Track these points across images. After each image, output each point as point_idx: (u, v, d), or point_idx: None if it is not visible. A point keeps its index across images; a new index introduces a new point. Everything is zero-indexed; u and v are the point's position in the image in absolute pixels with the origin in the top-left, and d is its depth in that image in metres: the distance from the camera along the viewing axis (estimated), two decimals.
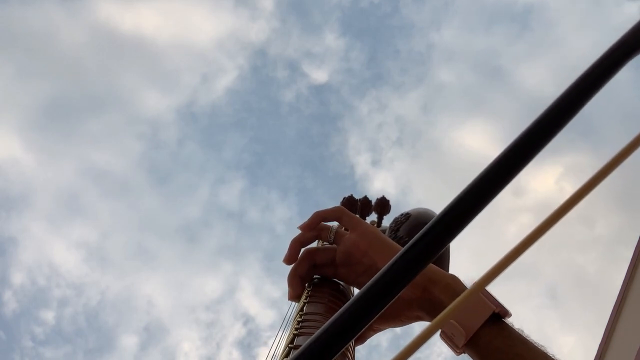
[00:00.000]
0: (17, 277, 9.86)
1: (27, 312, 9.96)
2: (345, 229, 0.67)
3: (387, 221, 0.97)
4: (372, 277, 0.61)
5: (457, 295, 0.52)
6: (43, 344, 9.90)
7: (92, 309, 10.24)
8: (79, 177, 10.52)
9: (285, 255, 0.64)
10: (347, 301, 0.69)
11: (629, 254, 4.62)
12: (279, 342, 0.59)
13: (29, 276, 9.86)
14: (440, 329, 0.53)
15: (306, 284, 0.65)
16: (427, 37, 10.73)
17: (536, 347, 0.51)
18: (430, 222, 0.21)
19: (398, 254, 0.21)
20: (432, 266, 0.60)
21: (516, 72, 10.50)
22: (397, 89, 10.86)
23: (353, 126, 10.96)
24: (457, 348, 0.53)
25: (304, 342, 0.49)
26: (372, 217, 1.00)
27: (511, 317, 0.54)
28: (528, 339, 0.52)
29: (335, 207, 0.66)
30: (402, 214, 0.85)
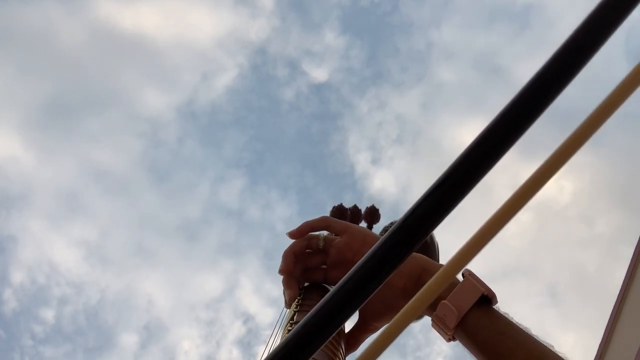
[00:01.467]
0: (17, 276, 9.88)
1: (27, 310, 9.98)
2: (335, 235, 0.71)
3: (376, 230, 0.96)
4: None
5: (452, 284, 0.57)
6: (43, 342, 9.91)
7: (92, 307, 10.25)
8: (79, 176, 10.53)
9: (281, 266, 0.67)
10: None
11: (629, 253, 4.61)
12: (272, 346, 0.59)
13: (29, 275, 9.87)
14: (431, 311, 0.58)
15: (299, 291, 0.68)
16: (427, 35, 10.73)
17: (520, 327, 0.55)
18: (407, 212, 0.20)
19: (376, 245, 0.20)
20: (424, 257, 0.64)
21: (516, 70, 10.50)
22: (397, 87, 10.86)
23: (353, 125, 10.96)
24: (448, 330, 0.57)
25: None
26: (362, 225, 0.99)
27: (498, 304, 0.58)
28: (513, 320, 0.56)
29: (321, 217, 0.71)
30: (391, 223, 0.86)
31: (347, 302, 0.20)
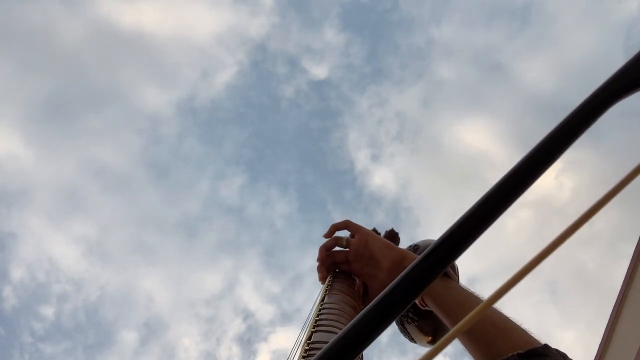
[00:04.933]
0: (17, 273, 9.89)
1: (26, 307, 9.99)
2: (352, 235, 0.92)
3: None
4: (372, 266, 0.80)
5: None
6: (43, 339, 9.93)
7: (92, 304, 10.27)
8: (79, 172, 10.53)
9: (318, 258, 0.90)
10: (354, 288, 0.82)
11: (628, 250, 4.62)
12: (308, 323, 0.67)
13: (29, 272, 9.88)
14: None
15: (329, 275, 0.89)
16: (427, 32, 10.73)
17: (469, 292, 0.72)
18: (431, 245, 0.22)
19: (403, 273, 0.22)
20: (405, 250, 0.88)
21: (516, 67, 10.50)
22: (397, 84, 10.87)
23: (353, 121, 10.97)
24: (418, 299, 0.73)
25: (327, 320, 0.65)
26: None
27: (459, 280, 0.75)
28: (464, 287, 0.73)
29: (344, 220, 0.93)
30: (410, 246, 0.99)
31: (385, 313, 0.22)
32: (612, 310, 4.50)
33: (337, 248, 0.93)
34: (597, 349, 4.53)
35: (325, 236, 0.93)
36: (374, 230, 0.98)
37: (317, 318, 0.70)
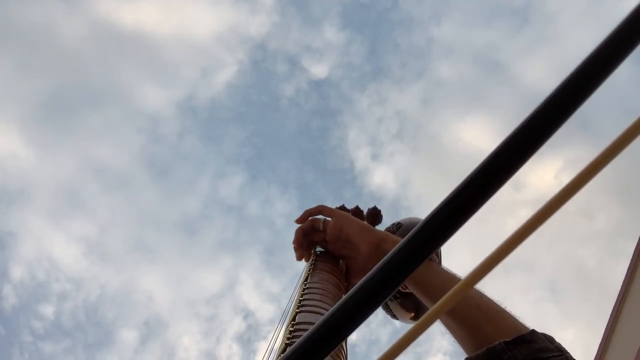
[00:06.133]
0: (17, 272, 9.88)
1: (26, 306, 9.99)
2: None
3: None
4: (350, 249, 0.77)
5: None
6: (42, 338, 9.93)
7: (92, 303, 10.26)
8: (79, 171, 10.53)
9: (294, 239, 0.91)
10: (338, 266, 0.82)
11: (628, 248, 4.61)
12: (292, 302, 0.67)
13: (29, 271, 9.87)
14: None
15: (311, 253, 0.90)
16: (427, 31, 10.72)
17: (452, 273, 0.71)
18: (416, 227, 0.20)
19: (387, 257, 0.20)
20: (383, 231, 0.86)
21: (516, 66, 10.49)
22: (397, 83, 10.86)
23: (353, 120, 10.96)
24: None
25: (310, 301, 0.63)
26: None
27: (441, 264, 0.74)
28: (447, 269, 0.72)
29: (317, 205, 0.93)
30: (393, 224, 0.98)
31: (369, 298, 0.21)
32: (612, 310, 4.49)
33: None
34: (597, 348, 4.52)
35: (298, 221, 0.92)
36: (357, 208, 0.98)
37: (300, 298, 0.69)
